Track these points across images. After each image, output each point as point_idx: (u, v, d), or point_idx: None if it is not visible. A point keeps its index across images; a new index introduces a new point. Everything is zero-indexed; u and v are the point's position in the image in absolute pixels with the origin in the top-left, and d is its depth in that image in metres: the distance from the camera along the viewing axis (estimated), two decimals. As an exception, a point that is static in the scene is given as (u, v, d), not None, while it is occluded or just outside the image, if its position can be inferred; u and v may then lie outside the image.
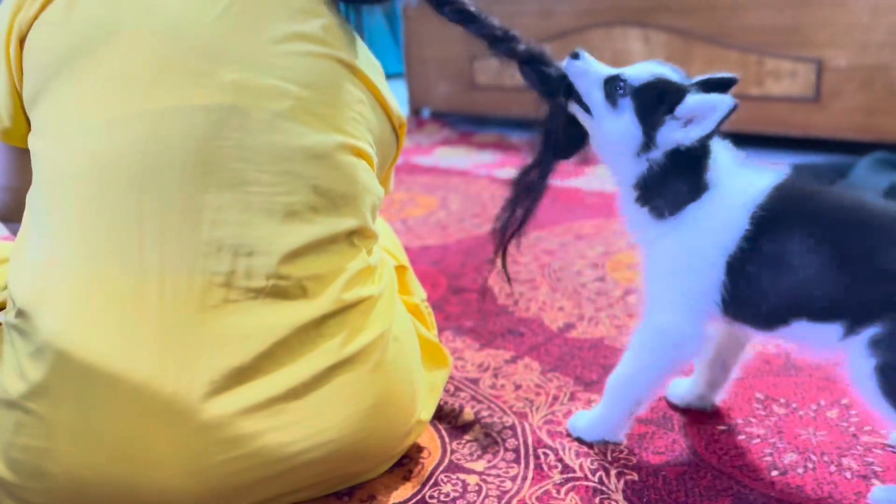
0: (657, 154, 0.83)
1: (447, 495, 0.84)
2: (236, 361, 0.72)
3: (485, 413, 1.01)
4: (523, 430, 0.97)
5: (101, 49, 0.75)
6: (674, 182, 0.84)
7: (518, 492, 0.84)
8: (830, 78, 2.16)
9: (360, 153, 0.83)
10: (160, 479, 0.70)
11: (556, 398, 1.05)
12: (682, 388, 1.00)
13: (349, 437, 0.78)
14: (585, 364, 1.14)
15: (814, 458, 0.89)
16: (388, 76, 0.93)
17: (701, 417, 0.98)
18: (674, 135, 0.81)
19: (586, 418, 0.94)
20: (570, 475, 0.87)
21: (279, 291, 0.75)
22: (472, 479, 0.87)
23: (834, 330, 0.77)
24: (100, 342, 0.70)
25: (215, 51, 0.76)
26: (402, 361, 0.85)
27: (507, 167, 2.43)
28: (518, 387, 1.08)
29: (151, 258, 0.72)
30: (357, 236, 0.82)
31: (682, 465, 0.88)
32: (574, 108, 0.89)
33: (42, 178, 0.76)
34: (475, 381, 1.10)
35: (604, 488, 0.84)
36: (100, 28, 0.76)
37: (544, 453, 0.91)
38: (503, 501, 0.83)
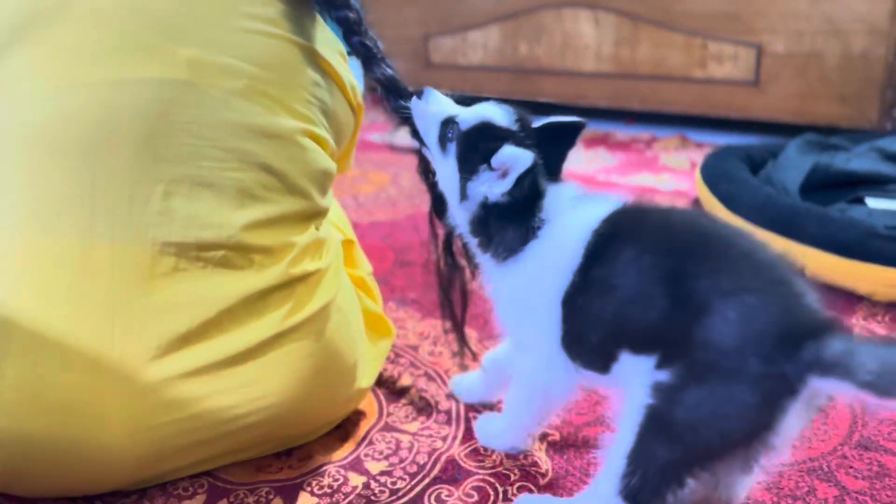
0: (471, 204, 0.79)
1: (381, 452, 0.89)
2: (182, 327, 0.75)
3: (422, 378, 1.06)
4: (457, 393, 1.02)
5: (58, 18, 0.77)
6: (501, 228, 0.79)
7: (448, 449, 0.90)
8: (769, 63, 2.24)
9: (314, 137, 0.85)
10: (103, 438, 0.73)
11: (490, 364, 1.10)
12: (467, 385, 1.01)
13: (289, 402, 0.81)
14: (520, 333, 1.20)
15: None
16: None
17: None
18: (482, 188, 0.77)
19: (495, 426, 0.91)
20: (498, 434, 0.93)
21: (228, 262, 0.78)
22: (405, 438, 0.92)
23: (650, 363, 0.68)
24: (49, 305, 0.72)
25: (173, 27, 0.78)
26: (345, 332, 0.88)
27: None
28: (455, 353, 1.13)
29: (102, 226, 0.74)
30: (308, 214, 0.85)
31: (600, 423, 0.95)
32: (425, 150, 0.85)
33: None
34: (415, 349, 1.15)
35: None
36: None
37: (475, 416, 0.97)
38: (433, 458, 0.88)
